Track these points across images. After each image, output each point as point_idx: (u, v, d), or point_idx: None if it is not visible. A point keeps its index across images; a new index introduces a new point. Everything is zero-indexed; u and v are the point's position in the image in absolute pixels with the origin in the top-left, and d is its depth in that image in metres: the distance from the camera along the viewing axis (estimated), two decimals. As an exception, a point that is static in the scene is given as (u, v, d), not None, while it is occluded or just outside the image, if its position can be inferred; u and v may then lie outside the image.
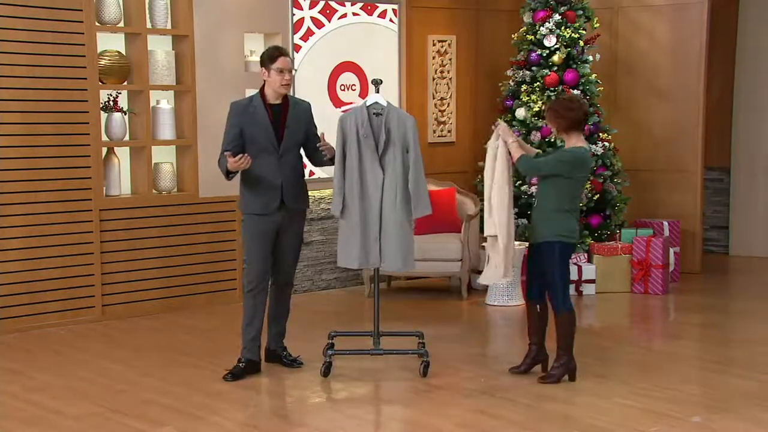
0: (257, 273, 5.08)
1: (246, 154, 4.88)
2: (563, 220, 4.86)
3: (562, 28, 7.32)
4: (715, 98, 8.66)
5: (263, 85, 5.07)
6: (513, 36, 7.62)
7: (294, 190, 5.09)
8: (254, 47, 7.07)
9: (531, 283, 5.04)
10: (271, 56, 4.99)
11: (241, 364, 5.09)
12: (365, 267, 5.23)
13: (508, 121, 7.51)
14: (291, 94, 5.20)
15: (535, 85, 7.33)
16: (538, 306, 5.02)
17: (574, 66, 7.35)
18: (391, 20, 7.67)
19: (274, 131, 5.01)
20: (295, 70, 5.13)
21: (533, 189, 7.01)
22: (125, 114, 6.58)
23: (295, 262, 5.26)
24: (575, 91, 7.29)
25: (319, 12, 7.30)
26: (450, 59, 8.04)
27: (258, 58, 7.05)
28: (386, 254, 5.06)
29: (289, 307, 5.33)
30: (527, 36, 7.45)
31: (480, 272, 7.32)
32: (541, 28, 7.33)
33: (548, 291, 4.96)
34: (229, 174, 5.00)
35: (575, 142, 4.92)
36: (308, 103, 5.24)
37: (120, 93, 6.57)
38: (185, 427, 4.32)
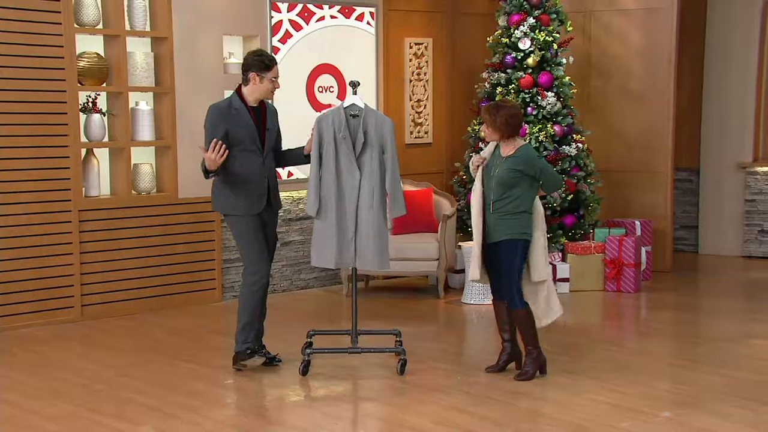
0: (265, 268, 5.10)
1: (220, 142, 4.87)
2: (524, 219, 4.96)
3: (536, 31, 7.41)
4: (685, 101, 8.81)
5: (240, 87, 5.10)
6: (488, 39, 7.69)
7: (275, 190, 5.19)
8: (233, 49, 7.11)
9: (496, 283, 5.08)
10: (267, 65, 5.05)
11: (250, 352, 5.14)
12: (341, 267, 5.25)
13: (482, 122, 7.59)
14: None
15: (510, 87, 7.41)
16: (506, 303, 5.05)
17: (548, 68, 7.44)
18: (368, 23, 7.73)
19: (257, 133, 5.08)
20: None
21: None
22: (104, 115, 6.59)
23: (271, 261, 5.29)
24: (549, 93, 7.40)
25: (297, 15, 7.34)
26: (426, 61, 8.11)
27: (236, 60, 7.15)
28: (363, 254, 5.10)
29: (266, 306, 5.33)
30: (502, 39, 7.52)
31: (456, 271, 7.45)
32: (516, 31, 7.41)
33: (504, 288, 4.99)
34: (209, 174, 4.98)
35: (520, 142, 5.00)
36: (275, 108, 5.32)
37: (99, 94, 6.58)
38: (163, 426, 4.34)
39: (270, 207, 5.16)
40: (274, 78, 5.07)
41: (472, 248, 5.13)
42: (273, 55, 5.35)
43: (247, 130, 5.04)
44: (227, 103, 5.11)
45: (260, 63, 5.05)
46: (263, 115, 5.13)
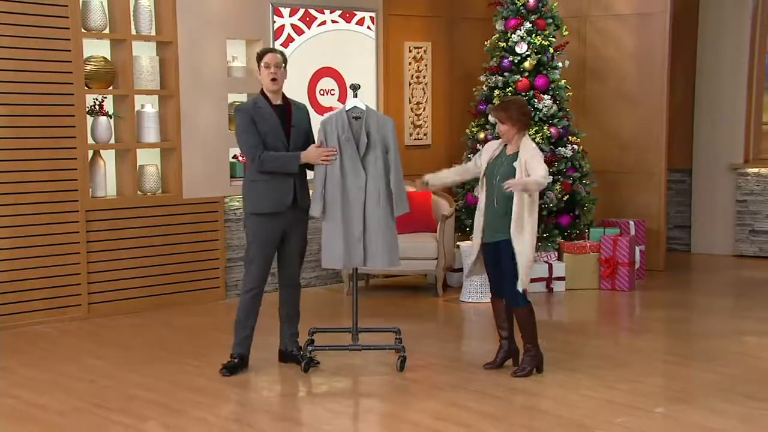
0: (261, 275, 5.15)
1: (336, 149, 5.05)
2: None
3: (533, 35, 7.48)
4: (678, 104, 8.90)
5: (262, 87, 5.16)
6: (486, 43, 7.75)
7: (302, 188, 5.20)
8: (236, 53, 7.19)
9: (495, 282, 5.15)
10: (260, 54, 5.14)
11: (235, 360, 5.16)
12: (349, 267, 5.25)
13: (482, 125, 7.71)
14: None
15: (507, 90, 7.48)
16: (504, 301, 5.13)
17: (545, 72, 7.52)
18: (368, 27, 7.80)
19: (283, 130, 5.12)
20: (284, 65, 5.20)
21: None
22: (111, 118, 6.66)
23: (301, 263, 5.34)
24: (545, 96, 7.52)
25: (299, 19, 7.42)
26: (425, 65, 8.19)
27: (239, 64, 7.27)
28: (373, 253, 5.13)
29: (299, 309, 5.37)
30: (499, 43, 7.59)
31: (455, 270, 7.56)
32: (513, 35, 7.49)
33: (507, 287, 5.04)
34: (300, 167, 5.07)
35: (527, 141, 5.06)
36: (305, 105, 5.34)
37: (105, 97, 6.65)
38: (169, 421, 4.37)
39: (295, 205, 5.17)
40: (267, 63, 5.08)
41: (473, 248, 5.23)
42: (274, 47, 5.39)
43: (271, 127, 5.07)
44: (252, 102, 5.17)
45: (257, 56, 5.17)
46: (288, 113, 5.16)
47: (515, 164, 4.97)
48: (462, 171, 5.44)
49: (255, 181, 5.13)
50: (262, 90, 5.18)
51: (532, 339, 5.11)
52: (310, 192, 5.25)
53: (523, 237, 4.95)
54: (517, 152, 5.01)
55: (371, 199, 5.13)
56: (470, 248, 5.37)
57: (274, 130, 5.09)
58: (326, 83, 7.62)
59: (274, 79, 5.10)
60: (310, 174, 5.25)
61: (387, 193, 5.16)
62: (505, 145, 5.11)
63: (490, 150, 5.16)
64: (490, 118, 7.54)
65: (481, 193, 5.15)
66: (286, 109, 5.18)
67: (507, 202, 4.98)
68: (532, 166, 4.92)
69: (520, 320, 5.10)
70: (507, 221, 4.98)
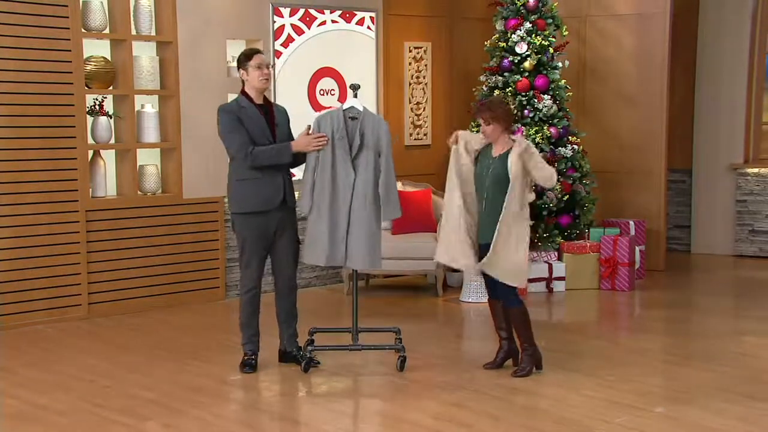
0: (258, 275, 5.18)
1: (325, 135, 5.04)
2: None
3: (533, 35, 7.50)
4: (678, 104, 8.93)
5: (243, 88, 5.18)
6: (486, 43, 7.78)
7: (290, 186, 5.22)
8: (236, 53, 7.17)
9: (491, 283, 5.13)
10: (247, 55, 5.14)
11: (251, 357, 5.20)
12: (331, 264, 5.25)
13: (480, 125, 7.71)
14: (271, 97, 5.35)
15: (507, 90, 7.50)
16: (502, 302, 5.14)
17: (545, 72, 7.55)
18: (368, 27, 7.82)
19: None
20: (272, 65, 5.26)
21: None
22: (111, 118, 6.67)
23: (295, 263, 5.32)
24: (545, 96, 7.53)
25: (299, 19, 7.44)
26: (425, 65, 8.21)
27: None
28: (354, 253, 5.13)
29: (297, 310, 5.37)
30: (499, 43, 7.62)
31: (455, 270, 7.57)
32: (513, 35, 7.51)
33: (501, 287, 5.03)
34: (293, 158, 5.07)
35: (511, 140, 5.05)
36: (285, 108, 5.38)
37: (106, 97, 6.67)
38: (169, 421, 4.39)
39: (285, 204, 5.19)
40: (257, 65, 5.10)
41: (444, 228, 5.11)
42: (258, 48, 5.42)
43: (257, 126, 5.09)
44: (235, 103, 5.18)
45: (242, 56, 5.18)
46: (271, 112, 5.19)
47: (508, 160, 4.97)
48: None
49: (243, 180, 5.12)
50: (243, 90, 5.18)
51: (529, 338, 5.12)
52: (296, 194, 5.27)
53: (509, 241, 4.92)
54: (507, 152, 4.99)
55: (358, 199, 5.13)
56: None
57: (261, 128, 5.11)
58: (326, 83, 7.63)
59: (267, 80, 5.14)
60: (297, 175, 5.24)
61: (374, 195, 5.15)
62: (489, 145, 5.09)
63: (474, 142, 5.11)
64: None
65: (452, 191, 5.07)
66: (269, 108, 5.22)
67: (497, 205, 4.97)
68: (538, 166, 4.92)
69: (514, 320, 5.11)
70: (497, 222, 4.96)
